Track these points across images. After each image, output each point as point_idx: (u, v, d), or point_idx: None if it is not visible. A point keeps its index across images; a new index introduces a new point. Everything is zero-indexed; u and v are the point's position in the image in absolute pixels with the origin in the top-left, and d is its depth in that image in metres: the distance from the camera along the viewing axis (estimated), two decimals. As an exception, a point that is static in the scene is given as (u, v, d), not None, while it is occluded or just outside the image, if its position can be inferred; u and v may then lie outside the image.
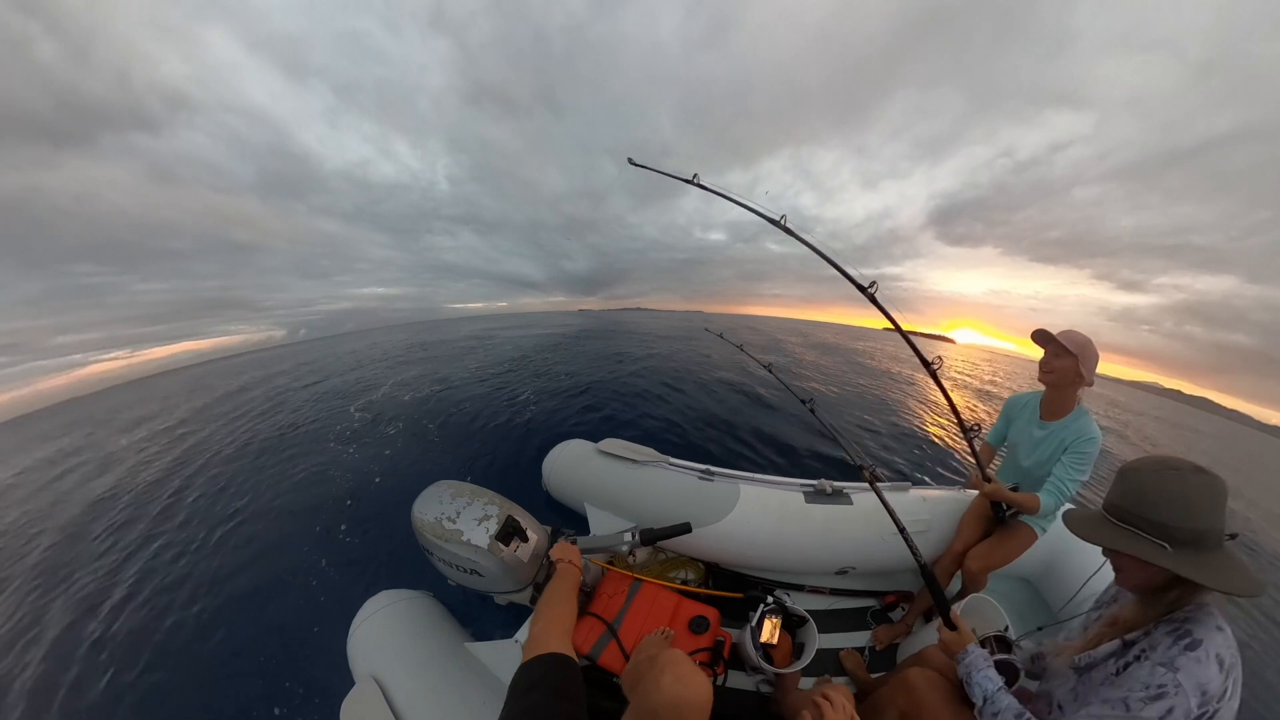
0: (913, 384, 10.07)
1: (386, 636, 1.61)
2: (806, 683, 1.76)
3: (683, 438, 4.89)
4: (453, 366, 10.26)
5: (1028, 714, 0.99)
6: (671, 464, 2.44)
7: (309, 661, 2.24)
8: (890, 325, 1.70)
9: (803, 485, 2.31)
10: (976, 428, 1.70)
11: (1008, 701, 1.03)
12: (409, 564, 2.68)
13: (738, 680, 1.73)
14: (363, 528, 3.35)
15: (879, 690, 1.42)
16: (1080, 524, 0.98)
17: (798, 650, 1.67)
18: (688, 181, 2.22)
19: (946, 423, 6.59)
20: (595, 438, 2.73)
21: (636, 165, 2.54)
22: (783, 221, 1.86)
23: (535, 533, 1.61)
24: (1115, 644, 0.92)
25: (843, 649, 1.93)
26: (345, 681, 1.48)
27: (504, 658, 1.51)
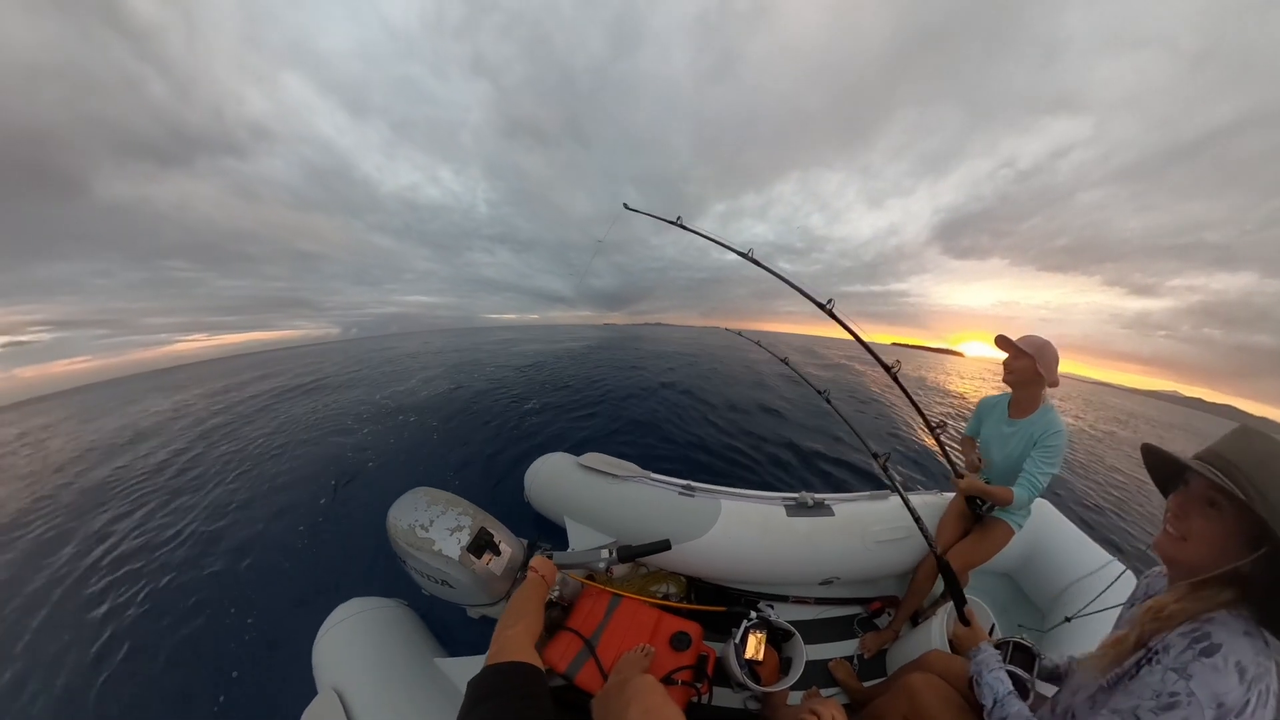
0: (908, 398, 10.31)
1: (353, 646, 1.53)
2: (795, 697, 1.70)
3: (688, 445, 5.07)
4: (471, 372, 10.76)
5: None
6: (652, 479, 2.42)
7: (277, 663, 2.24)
8: (851, 336, 1.83)
9: (784, 499, 2.31)
10: (942, 424, 1.75)
11: (1018, 707, 0.99)
12: (385, 570, 2.65)
13: (724, 698, 1.67)
14: (344, 522, 3.44)
15: (878, 699, 1.39)
16: (1161, 454, 0.85)
17: (785, 665, 1.62)
18: (671, 223, 2.52)
19: (921, 429, 6.78)
20: (592, 448, 2.73)
21: (631, 210, 2.84)
22: (750, 254, 2.14)
23: (509, 545, 1.55)
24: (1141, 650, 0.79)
25: (831, 660, 1.90)
26: (309, 689, 1.43)
27: (473, 673, 1.43)
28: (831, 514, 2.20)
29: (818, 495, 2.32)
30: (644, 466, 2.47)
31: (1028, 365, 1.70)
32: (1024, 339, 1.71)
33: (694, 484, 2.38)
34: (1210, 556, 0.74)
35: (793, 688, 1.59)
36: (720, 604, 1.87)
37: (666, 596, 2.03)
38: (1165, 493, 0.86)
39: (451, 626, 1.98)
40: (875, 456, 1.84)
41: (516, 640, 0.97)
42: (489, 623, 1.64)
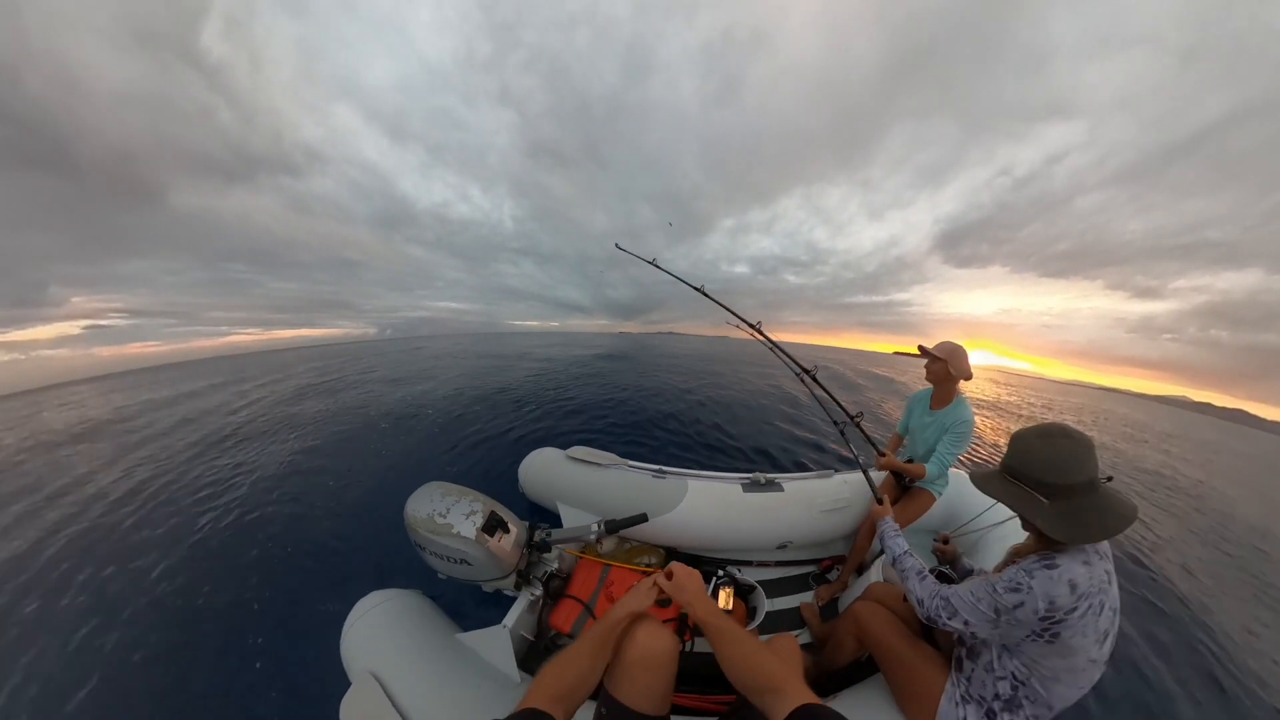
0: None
1: (381, 634, 1.66)
2: (766, 639, 2.05)
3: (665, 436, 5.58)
4: (487, 375, 11.32)
5: (926, 572, 1.26)
6: (630, 466, 2.72)
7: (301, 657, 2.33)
8: (796, 365, 2.38)
9: (741, 478, 2.66)
10: (860, 414, 2.19)
11: (912, 562, 1.31)
12: (395, 566, 2.76)
13: (707, 646, 1.98)
14: (355, 523, 3.51)
15: (834, 626, 1.74)
16: (982, 480, 1.20)
17: (751, 613, 1.96)
18: (649, 262, 2.93)
19: (871, 426, 7.45)
20: (580, 441, 3.09)
21: (621, 250, 3.21)
22: (703, 289, 2.56)
23: (515, 526, 1.78)
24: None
25: (799, 605, 2.28)
26: (335, 685, 1.49)
27: (494, 644, 1.62)
28: (782, 490, 2.57)
29: (769, 475, 2.69)
30: (660, 452, 2.76)
31: (941, 367, 2.09)
32: (938, 346, 2.09)
33: (665, 468, 2.70)
34: (1026, 523, 1.12)
35: (761, 630, 1.92)
36: (695, 568, 2.20)
37: (649, 565, 2.33)
38: None
39: (465, 605, 2.20)
40: (836, 424, 2.23)
41: (546, 686, 0.92)
42: (500, 597, 1.87)
